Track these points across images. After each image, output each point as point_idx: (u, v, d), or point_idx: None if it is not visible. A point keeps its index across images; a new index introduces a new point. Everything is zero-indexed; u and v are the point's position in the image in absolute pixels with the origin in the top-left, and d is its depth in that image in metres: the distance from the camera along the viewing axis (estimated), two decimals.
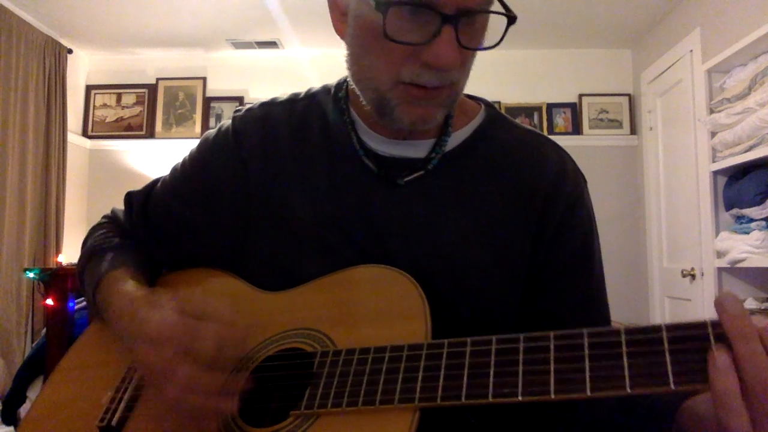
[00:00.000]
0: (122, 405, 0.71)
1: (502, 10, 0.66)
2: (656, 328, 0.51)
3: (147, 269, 0.85)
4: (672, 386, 0.48)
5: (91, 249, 0.85)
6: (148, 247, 0.88)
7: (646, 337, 0.51)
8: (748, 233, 2.72)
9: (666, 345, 0.50)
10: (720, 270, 2.98)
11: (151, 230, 0.87)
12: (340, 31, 0.74)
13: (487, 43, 0.69)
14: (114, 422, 0.70)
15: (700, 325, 0.50)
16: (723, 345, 0.48)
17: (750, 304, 2.78)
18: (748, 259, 2.69)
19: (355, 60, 0.72)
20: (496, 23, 0.68)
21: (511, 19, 0.66)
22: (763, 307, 2.73)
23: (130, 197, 0.91)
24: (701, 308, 3.15)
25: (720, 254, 2.93)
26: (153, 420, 0.67)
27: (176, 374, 0.58)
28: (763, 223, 2.64)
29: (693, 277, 3.26)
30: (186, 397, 0.58)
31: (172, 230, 0.85)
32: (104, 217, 0.94)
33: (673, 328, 0.51)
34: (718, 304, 0.49)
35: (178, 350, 0.59)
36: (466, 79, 0.72)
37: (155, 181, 0.90)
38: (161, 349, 0.59)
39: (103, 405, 0.72)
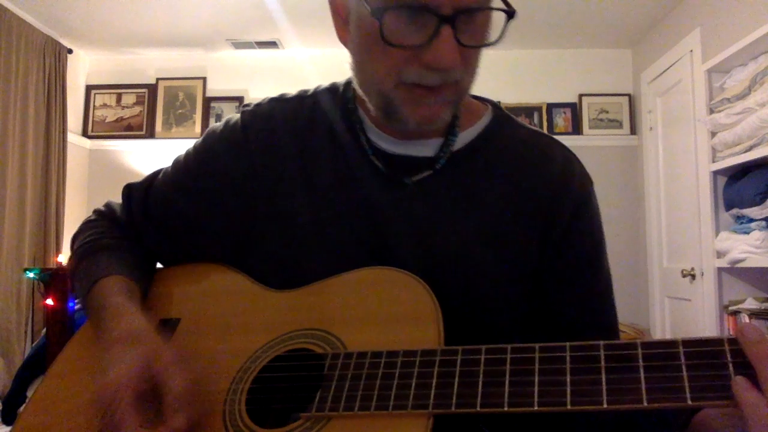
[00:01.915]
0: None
1: (501, 6, 0.66)
2: (673, 343, 0.52)
3: (141, 272, 0.83)
4: (689, 401, 0.48)
5: (83, 248, 0.83)
6: (146, 241, 0.86)
7: (662, 352, 0.52)
8: (748, 233, 2.72)
9: (683, 360, 0.50)
10: (720, 270, 2.98)
11: (151, 224, 0.85)
12: (344, 39, 0.74)
13: (491, 38, 0.69)
14: None
15: (717, 342, 0.51)
16: (741, 368, 0.49)
17: (750, 304, 2.78)
18: (748, 259, 2.69)
19: (358, 66, 0.72)
20: (498, 20, 0.68)
21: (510, 14, 0.66)
22: (763, 307, 2.73)
23: (129, 190, 0.88)
24: (701, 308, 3.15)
25: (720, 254, 2.93)
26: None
27: (123, 425, 0.58)
28: (763, 223, 2.64)
29: (693, 277, 3.26)
30: None
31: (173, 224, 0.84)
32: (95, 212, 0.91)
33: (689, 343, 0.51)
34: (739, 332, 0.51)
35: (128, 404, 0.59)
36: (472, 77, 0.71)
37: (156, 173, 0.88)
38: (120, 394, 0.59)
39: None
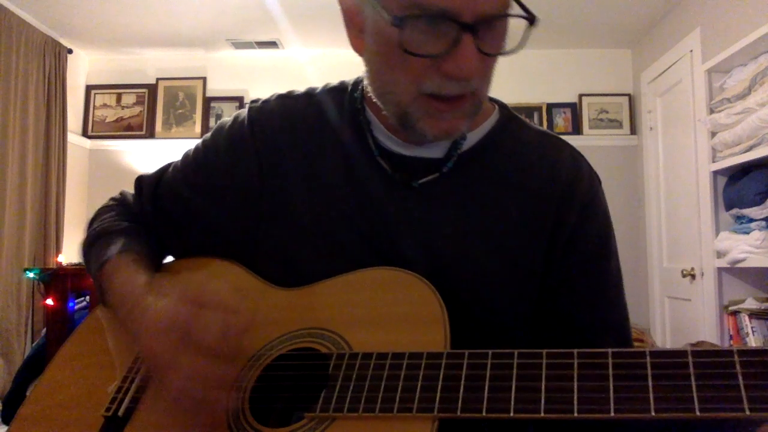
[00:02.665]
0: (129, 395, 0.70)
1: (521, 12, 0.65)
2: (682, 353, 0.52)
3: (155, 255, 0.84)
4: (697, 412, 0.48)
5: (99, 230, 0.84)
6: (155, 233, 0.87)
7: (671, 361, 0.52)
8: (748, 233, 2.72)
9: (692, 370, 0.50)
10: (720, 270, 2.98)
11: (160, 216, 0.86)
12: (359, 48, 0.73)
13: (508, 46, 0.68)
14: (120, 412, 0.68)
15: (727, 353, 0.50)
16: (751, 380, 0.49)
17: (750, 304, 2.78)
18: (748, 259, 2.69)
19: (375, 76, 0.71)
20: (513, 26, 0.68)
21: (531, 20, 0.65)
22: (763, 307, 2.73)
23: (140, 182, 0.89)
24: (701, 308, 3.15)
25: (720, 254, 2.93)
26: (161, 411, 0.66)
27: (178, 364, 0.58)
28: (763, 223, 2.64)
29: (693, 277, 3.26)
30: (189, 387, 0.58)
31: (181, 218, 0.84)
32: (112, 199, 0.92)
33: (699, 353, 0.51)
34: None
35: (180, 340, 0.59)
36: (489, 85, 0.71)
37: (166, 166, 0.89)
38: (163, 339, 0.59)
39: (110, 394, 0.71)
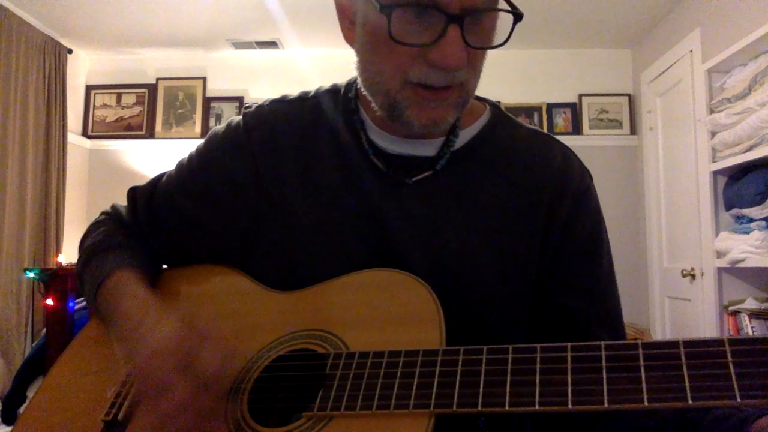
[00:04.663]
0: (129, 400, 0.70)
1: (508, 8, 0.66)
2: (674, 344, 0.52)
3: (151, 268, 0.84)
4: (690, 402, 0.49)
5: (92, 247, 0.84)
6: (151, 243, 0.86)
7: (662, 352, 0.52)
8: (748, 233, 2.72)
9: (684, 360, 0.51)
10: (720, 270, 2.98)
11: (156, 226, 0.85)
12: (350, 39, 0.74)
13: (496, 41, 0.69)
14: (120, 416, 0.69)
15: (718, 342, 0.51)
16: (741, 368, 0.49)
17: (750, 304, 2.78)
18: (748, 259, 2.69)
19: (364, 66, 0.72)
20: (504, 24, 0.68)
21: (518, 16, 0.66)
22: (763, 307, 2.73)
23: (134, 192, 0.89)
24: (701, 308, 3.15)
25: (720, 254, 2.93)
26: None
27: (174, 390, 0.58)
28: (763, 223, 2.64)
29: (693, 277, 3.26)
30: (179, 414, 0.58)
31: (178, 226, 0.84)
32: (103, 213, 0.91)
33: (690, 343, 0.52)
34: None
35: (180, 365, 0.59)
36: (477, 79, 0.71)
37: (160, 176, 0.88)
38: (163, 361, 0.60)
39: (109, 399, 0.71)
